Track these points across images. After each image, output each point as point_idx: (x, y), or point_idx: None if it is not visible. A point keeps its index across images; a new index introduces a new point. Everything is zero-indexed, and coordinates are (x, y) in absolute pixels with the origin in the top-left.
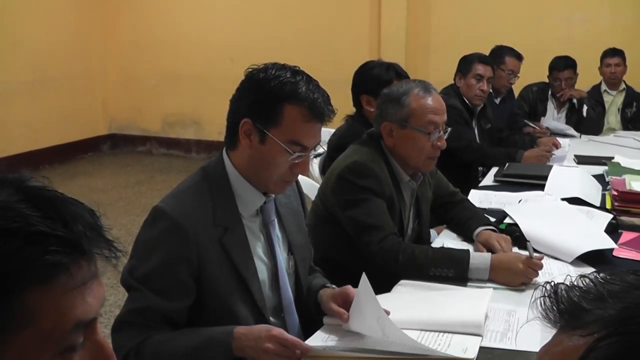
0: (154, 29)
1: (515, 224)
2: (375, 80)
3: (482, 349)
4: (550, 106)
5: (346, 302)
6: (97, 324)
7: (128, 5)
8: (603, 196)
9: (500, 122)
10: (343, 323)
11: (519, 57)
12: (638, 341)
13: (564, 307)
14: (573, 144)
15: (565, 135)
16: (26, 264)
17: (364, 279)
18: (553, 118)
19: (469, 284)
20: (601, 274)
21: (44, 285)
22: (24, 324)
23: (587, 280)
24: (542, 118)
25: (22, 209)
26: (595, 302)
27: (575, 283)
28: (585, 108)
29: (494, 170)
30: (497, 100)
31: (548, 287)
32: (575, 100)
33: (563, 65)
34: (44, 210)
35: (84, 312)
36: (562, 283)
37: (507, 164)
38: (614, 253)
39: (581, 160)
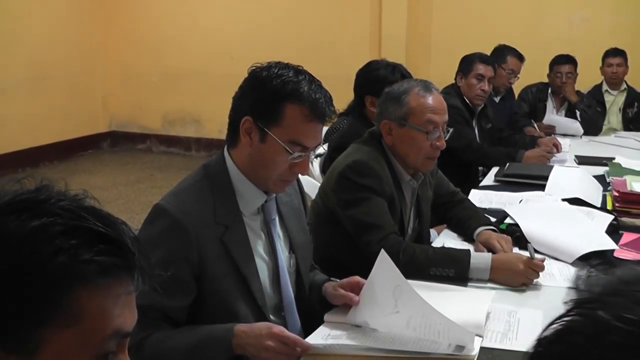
0: (154, 26)
1: (516, 224)
2: (381, 81)
3: (482, 349)
4: (550, 106)
5: (354, 291)
6: (127, 342)
7: (128, 2)
8: (604, 197)
9: (500, 121)
10: (346, 315)
11: (520, 57)
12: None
13: None
14: (574, 144)
15: (566, 134)
16: (86, 261)
17: (382, 252)
18: None
19: (469, 284)
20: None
21: (96, 284)
22: (70, 322)
23: None
24: (545, 115)
25: (86, 215)
26: None
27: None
28: (577, 113)
29: (495, 170)
30: (497, 99)
31: None
32: (566, 103)
33: (564, 59)
34: (103, 220)
35: (124, 323)
36: None
37: (507, 164)
38: (615, 254)
39: (582, 160)
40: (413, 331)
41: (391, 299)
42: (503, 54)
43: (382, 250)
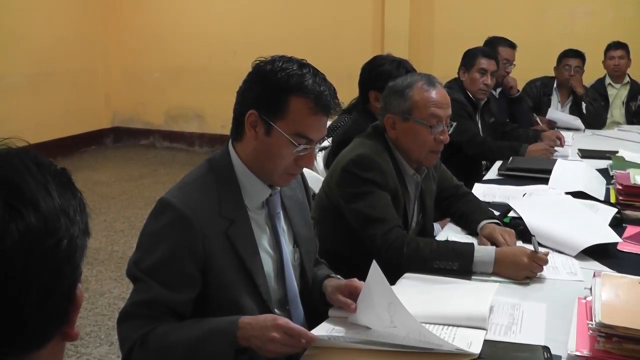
0: (157, 22)
1: (520, 218)
2: (385, 77)
3: (486, 342)
4: (555, 100)
5: (352, 295)
6: None
7: None
8: (607, 190)
9: (501, 114)
10: (349, 315)
11: (512, 45)
12: None
13: None
14: (577, 138)
15: (569, 128)
16: None
17: (374, 265)
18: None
19: (473, 277)
20: None
21: None
22: None
23: None
24: (549, 110)
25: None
26: None
27: None
28: (583, 105)
29: (498, 163)
30: (496, 93)
31: None
32: (571, 97)
33: (574, 53)
34: None
35: None
36: None
37: (511, 158)
38: (619, 247)
39: (585, 154)
40: (414, 341)
41: (387, 315)
42: (494, 46)
43: (374, 263)
